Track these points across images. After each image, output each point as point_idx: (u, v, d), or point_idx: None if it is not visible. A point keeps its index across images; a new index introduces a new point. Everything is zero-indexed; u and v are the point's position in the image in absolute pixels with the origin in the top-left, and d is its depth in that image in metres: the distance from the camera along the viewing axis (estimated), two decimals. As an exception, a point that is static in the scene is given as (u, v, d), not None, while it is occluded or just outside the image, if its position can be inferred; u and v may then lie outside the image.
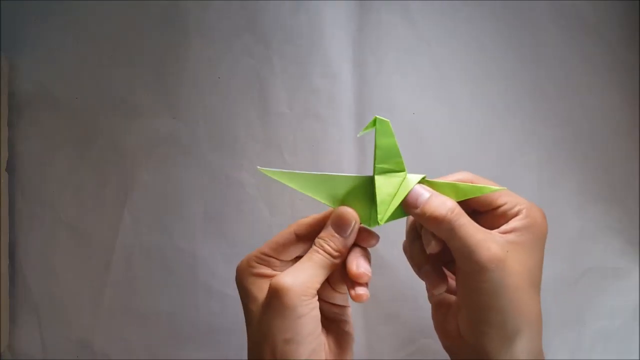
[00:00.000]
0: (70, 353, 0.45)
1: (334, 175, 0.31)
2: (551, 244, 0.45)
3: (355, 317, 0.45)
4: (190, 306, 0.45)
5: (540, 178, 0.46)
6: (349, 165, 0.45)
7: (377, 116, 0.30)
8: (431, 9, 0.46)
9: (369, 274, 0.31)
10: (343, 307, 0.35)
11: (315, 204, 0.43)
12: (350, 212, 0.31)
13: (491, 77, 0.46)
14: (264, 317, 0.29)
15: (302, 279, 0.29)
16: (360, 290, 0.31)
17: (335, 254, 0.31)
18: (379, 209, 0.30)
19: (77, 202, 0.46)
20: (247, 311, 0.31)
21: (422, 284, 0.46)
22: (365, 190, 0.31)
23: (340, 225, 0.31)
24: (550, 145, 0.46)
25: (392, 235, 0.45)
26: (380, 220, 0.31)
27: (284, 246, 0.32)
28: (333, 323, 0.34)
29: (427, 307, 0.45)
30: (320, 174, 0.31)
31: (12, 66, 0.46)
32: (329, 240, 0.31)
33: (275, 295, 0.29)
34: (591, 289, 0.45)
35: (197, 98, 0.46)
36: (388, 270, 0.45)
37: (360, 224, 0.32)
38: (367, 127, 0.30)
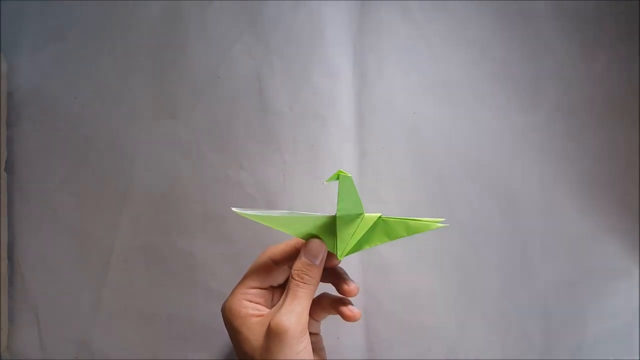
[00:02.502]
0: (69, 353, 0.45)
1: (303, 216, 0.35)
2: (553, 246, 0.46)
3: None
4: (190, 306, 0.45)
5: (542, 179, 0.46)
6: (348, 166, 0.45)
7: (341, 171, 0.33)
8: (432, 9, 0.46)
9: (358, 287, 0.36)
10: (317, 334, 0.39)
11: (311, 206, 0.44)
12: (320, 243, 0.35)
13: (492, 76, 0.46)
14: (267, 357, 0.32)
15: (296, 317, 0.32)
16: (355, 309, 0.36)
17: (313, 281, 0.34)
18: (338, 246, 0.35)
19: (76, 202, 0.46)
20: (242, 353, 0.34)
21: (422, 285, 0.46)
22: (329, 226, 0.35)
23: (314, 254, 0.35)
24: (552, 146, 0.46)
25: (393, 235, 0.45)
26: (340, 256, 0.35)
27: (267, 275, 0.36)
28: (314, 352, 0.37)
29: (428, 307, 0.45)
30: (290, 216, 0.35)
31: (12, 66, 0.46)
32: (307, 270, 0.34)
33: (277, 337, 0.32)
34: (592, 289, 0.45)
35: (197, 98, 0.46)
36: (388, 271, 0.45)
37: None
38: (331, 178, 0.33)
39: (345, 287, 0.36)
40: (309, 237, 0.35)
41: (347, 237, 0.35)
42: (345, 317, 0.36)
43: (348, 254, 0.35)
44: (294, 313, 0.32)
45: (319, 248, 0.35)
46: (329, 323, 0.40)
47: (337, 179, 0.33)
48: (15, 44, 0.46)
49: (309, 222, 0.35)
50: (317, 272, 0.35)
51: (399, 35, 0.46)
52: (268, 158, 0.46)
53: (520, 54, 0.46)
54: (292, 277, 0.34)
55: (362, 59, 0.46)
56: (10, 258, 0.45)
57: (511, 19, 0.46)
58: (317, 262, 0.35)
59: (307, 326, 0.33)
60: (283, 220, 0.35)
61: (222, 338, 0.45)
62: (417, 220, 0.35)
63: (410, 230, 0.35)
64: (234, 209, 0.34)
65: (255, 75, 0.46)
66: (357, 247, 0.35)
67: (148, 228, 0.46)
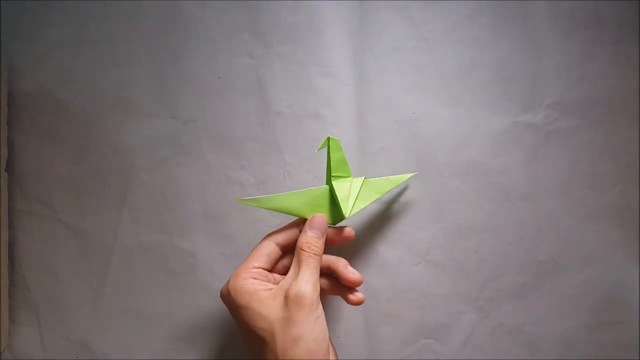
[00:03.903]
0: (69, 353, 0.45)
1: (296, 192, 0.38)
2: (552, 246, 0.46)
3: (355, 317, 0.45)
4: (190, 306, 0.45)
5: (541, 179, 0.46)
6: (348, 166, 0.45)
7: (330, 136, 0.38)
8: (431, 8, 0.46)
9: (361, 276, 0.39)
10: None
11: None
12: (323, 217, 0.39)
13: (491, 76, 0.46)
14: (290, 326, 0.33)
15: (312, 285, 0.35)
16: (360, 294, 0.39)
17: (320, 252, 0.37)
18: (342, 205, 0.39)
19: (76, 201, 0.46)
20: (254, 329, 0.34)
21: (422, 284, 0.46)
22: (322, 198, 0.39)
23: (319, 227, 0.38)
24: (551, 145, 0.46)
25: (392, 235, 0.46)
26: (346, 214, 0.39)
27: (271, 256, 0.38)
28: None
29: (427, 307, 0.45)
30: (286, 193, 0.38)
31: (12, 66, 0.46)
32: (315, 242, 0.37)
33: (298, 304, 0.33)
34: (591, 289, 0.45)
35: (197, 98, 0.46)
36: (388, 270, 0.45)
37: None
38: (322, 145, 0.38)
39: (350, 277, 0.38)
40: (309, 213, 0.39)
41: (346, 197, 0.39)
42: (350, 302, 0.39)
43: (352, 211, 0.39)
44: (310, 282, 0.35)
45: (322, 221, 0.38)
46: (329, 323, 0.40)
47: (328, 143, 0.38)
48: (16, 44, 0.46)
49: (303, 196, 0.38)
50: (322, 244, 0.37)
51: (398, 35, 0.46)
52: (268, 158, 0.46)
53: (520, 54, 0.46)
54: (301, 250, 0.36)
55: (362, 59, 0.46)
56: (10, 258, 0.46)
57: (511, 19, 0.46)
58: (322, 234, 0.38)
59: (319, 294, 0.35)
60: (280, 200, 0.38)
61: (222, 338, 0.45)
62: (394, 176, 0.42)
63: (392, 182, 0.41)
64: (235, 198, 0.39)
65: (255, 75, 0.46)
66: (358, 205, 0.40)
67: (148, 228, 0.46)
